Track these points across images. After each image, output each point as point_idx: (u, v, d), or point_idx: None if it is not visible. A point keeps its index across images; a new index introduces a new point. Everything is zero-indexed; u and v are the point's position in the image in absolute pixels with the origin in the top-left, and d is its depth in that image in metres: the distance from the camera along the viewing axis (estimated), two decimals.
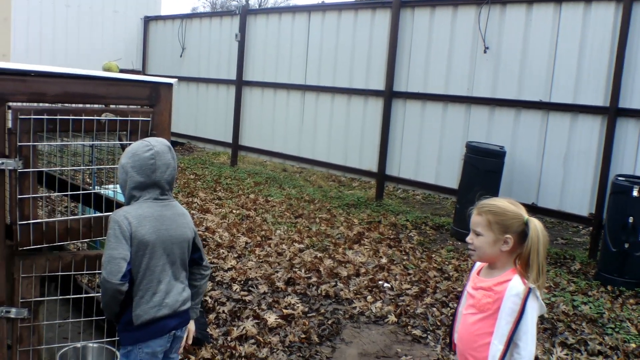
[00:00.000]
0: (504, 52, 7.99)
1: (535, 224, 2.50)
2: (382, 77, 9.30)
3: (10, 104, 2.89)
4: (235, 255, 6.32)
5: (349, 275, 5.91)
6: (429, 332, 4.81)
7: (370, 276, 5.93)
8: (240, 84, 11.79)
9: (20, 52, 10.49)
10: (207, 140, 12.86)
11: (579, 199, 7.38)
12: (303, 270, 5.97)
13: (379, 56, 9.41)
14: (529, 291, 2.45)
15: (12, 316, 3.06)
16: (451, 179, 8.47)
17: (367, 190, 10.18)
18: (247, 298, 5.25)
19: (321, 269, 6.03)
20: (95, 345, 3.59)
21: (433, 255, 6.77)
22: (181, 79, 12.36)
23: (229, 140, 12.04)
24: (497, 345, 2.48)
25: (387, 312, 5.09)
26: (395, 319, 4.98)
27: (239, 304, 5.11)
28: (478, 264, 2.76)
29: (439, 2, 8.69)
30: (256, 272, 5.84)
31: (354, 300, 5.32)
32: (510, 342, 2.46)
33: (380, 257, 6.56)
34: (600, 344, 4.71)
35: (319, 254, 6.49)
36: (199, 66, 12.96)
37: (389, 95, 9.17)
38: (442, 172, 8.68)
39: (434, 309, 5.25)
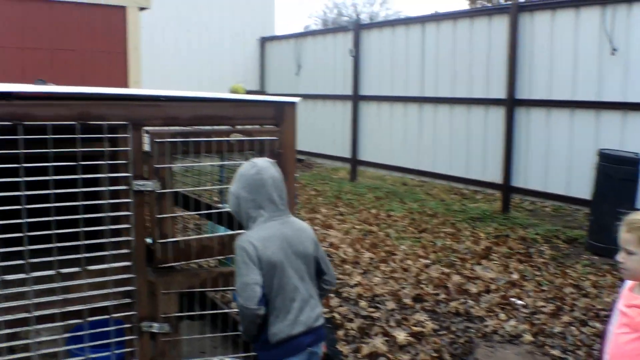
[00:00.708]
0: (634, 53, 7.48)
1: None
2: (503, 85, 8.99)
3: (147, 128, 3.00)
4: (360, 271, 6.28)
5: (478, 292, 5.70)
6: (568, 352, 4.52)
7: (502, 293, 5.68)
8: (356, 98, 11.83)
9: (149, 78, 11.11)
10: (325, 156, 13.00)
11: None
12: (430, 287, 5.82)
13: (498, 64, 9.11)
14: None
15: (155, 331, 3.16)
16: (583, 189, 7.99)
17: (492, 203, 9.84)
18: (375, 315, 5.18)
19: (449, 285, 5.86)
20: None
21: (568, 271, 6.39)
22: (298, 96, 12.55)
23: (347, 155, 12.09)
24: None
25: (522, 331, 4.85)
26: (532, 338, 4.72)
27: (367, 321, 5.05)
28: (630, 281, 2.55)
29: (559, 5, 8.29)
30: (382, 288, 5.76)
31: (485, 318, 5.11)
32: None
33: (511, 272, 6.28)
34: None
35: (446, 270, 6.32)
36: (315, 83, 13.15)
37: (511, 103, 8.84)
38: (573, 182, 8.22)
39: (573, 327, 4.93)
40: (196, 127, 3.33)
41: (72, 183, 2.91)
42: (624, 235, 2.44)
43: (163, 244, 3.09)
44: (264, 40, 15.03)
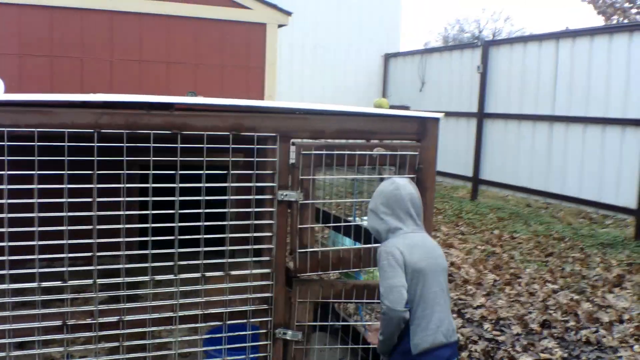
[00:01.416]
0: None
1: None
2: None
3: (294, 140, 3.11)
4: (484, 293, 6.14)
5: (611, 321, 5.41)
6: None
7: (636, 323, 5.37)
8: (481, 116, 11.61)
9: (282, 91, 11.50)
10: (445, 174, 12.82)
11: None
12: (559, 313, 5.60)
13: (638, 82, 8.64)
14: None
15: (288, 338, 3.25)
16: None
17: (623, 229, 9.31)
18: (500, 338, 5.05)
19: (579, 312, 5.60)
20: None
21: None
22: None
23: (469, 174, 11.88)
24: None
25: None
26: None
27: (491, 344, 4.93)
28: None
29: None
30: (507, 312, 5.61)
31: (618, 349, 4.85)
32: None
33: None
34: None
35: (576, 296, 6.05)
36: (439, 99, 13.04)
37: None
38: None
39: None
40: (340, 140, 3.40)
41: (219, 190, 3.08)
42: None
43: (302, 254, 3.19)
44: (388, 57, 15.10)
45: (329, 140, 3.24)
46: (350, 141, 3.35)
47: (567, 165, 9.85)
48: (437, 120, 3.39)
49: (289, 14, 6.55)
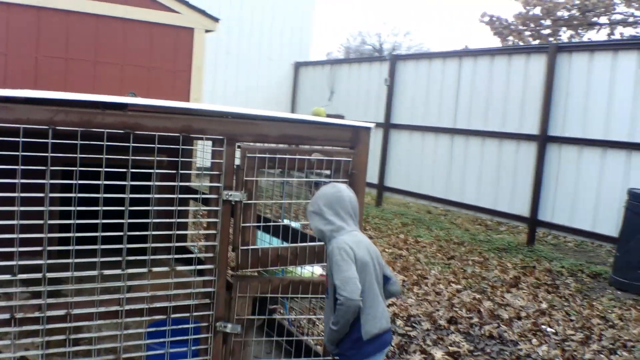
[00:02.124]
0: None
1: None
2: (536, 122, 9.27)
3: (239, 143, 3.31)
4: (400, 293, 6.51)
5: (510, 318, 5.93)
6: None
7: (532, 320, 5.91)
8: (387, 126, 12.14)
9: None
10: None
11: None
12: (464, 310, 6.06)
13: (532, 100, 9.41)
14: None
15: (228, 331, 3.43)
16: (609, 226, 8.22)
17: (516, 235, 10.07)
18: (412, 333, 5.42)
19: (481, 310, 6.09)
20: None
21: (594, 303, 6.61)
22: None
23: (374, 181, 12.37)
24: None
25: (554, 356, 5.07)
26: None
27: (404, 339, 5.29)
28: None
29: (598, 47, 8.61)
30: (417, 309, 6.01)
31: (519, 342, 5.34)
32: None
33: (540, 301, 6.51)
34: None
35: (477, 295, 6.55)
36: (348, 109, 13.47)
37: (544, 139, 9.12)
38: (600, 219, 8.45)
39: (602, 355, 5.15)
40: (280, 145, 3.61)
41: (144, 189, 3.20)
42: None
43: (244, 251, 3.38)
44: (299, 65, 15.43)
45: (272, 145, 3.46)
46: (292, 146, 3.58)
47: (466, 175, 10.52)
48: (369, 129, 3.69)
49: (216, 20, 6.69)
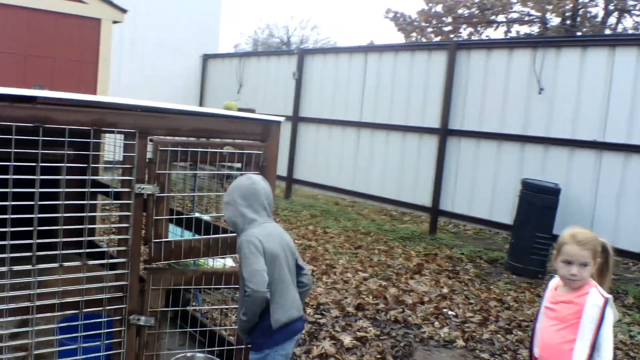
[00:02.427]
0: (559, 93, 8.32)
1: (607, 243, 2.88)
2: (438, 116, 9.69)
3: (151, 137, 3.33)
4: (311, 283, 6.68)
5: (414, 303, 6.22)
6: (496, 355, 5.09)
7: (435, 304, 6.23)
8: (296, 119, 12.30)
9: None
10: None
11: (632, 235, 7.59)
12: (370, 297, 6.30)
13: (434, 95, 9.82)
14: (606, 301, 2.80)
15: (142, 323, 3.46)
16: (505, 214, 8.74)
17: (419, 225, 10.50)
18: (322, 321, 5.60)
19: (387, 296, 6.36)
20: (201, 355, 3.98)
21: (491, 287, 7.04)
22: None
23: (283, 173, 12.50)
24: (581, 350, 2.80)
25: (454, 337, 5.39)
26: (463, 344, 5.27)
27: (314, 326, 5.45)
28: (553, 282, 3.09)
29: (495, 45, 9.11)
30: (326, 298, 6.19)
31: (422, 326, 5.63)
32: (594, 345, 2.79)
33: (442, 287, 6.86)
34: None
35: (383, 283, 6.83)
36: (256, 102, 13.51)
37: (444, 133, 9.55)
38: (496, 208, 8.96)
39: (499, 335, 5.52)
40: (191, 138, 3.66)
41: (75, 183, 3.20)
42: (580, 252, 2.89)
43: (157, 244, 3.41)
44: (207, 58, 15.32)
45: (184, 138, 3.51)
46: (203, 140, 3.64)
47: (371, 168, 10.84)
48: (279, 123, 3.80)
49: (124, 11, 6.58)
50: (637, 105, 7.58)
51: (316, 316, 5.71)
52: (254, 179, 3.18)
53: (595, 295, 2.84)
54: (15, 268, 3.05)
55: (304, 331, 5.25)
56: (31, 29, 6.12)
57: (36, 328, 3.15)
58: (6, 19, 5.97)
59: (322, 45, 40.98)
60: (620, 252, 7.80)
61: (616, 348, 5.36)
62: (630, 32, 17.57)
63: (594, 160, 7.97)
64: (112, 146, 4.45)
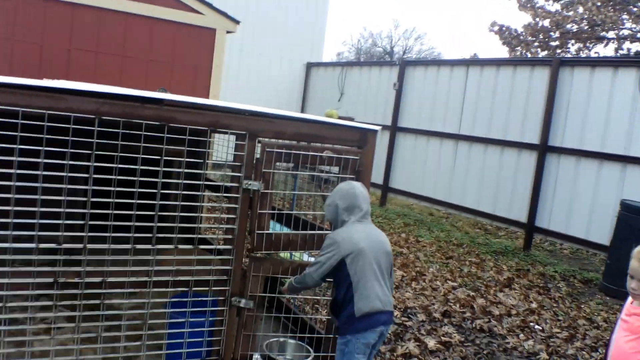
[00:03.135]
0: None
1: None
2: (538, 131, 9.65)
3: (260, 138, 3.71)
4: (394, 286, 6.92)
5: (501, 315, 6.31)
6: None
7: (522, 317, 6.30)
8: (394, 129, 12.54)
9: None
10: None
11: None
12: (457, 306, 6.45)
13: (535, 111, 9.79)
14: None
15: (242, 305, 3.83)
16: (602, 235, 8.59)
17: (514, 240, 10.45)
18: (408, 323, 5.82)
19: (474, 306, 6.48)
20: (292, 341, 4.32)
21: (582, 306, 6.99)
22: None
23: (379, 181, 12.76)
24: None
25: (538, 350, 5.46)
26: (547, 357, 5.34)
27: (400, 328, 5.68)
28: (629, 298, 3.19)
29: (599, 63, 8.98)
30: (414, 302, 6.40)
31: (507, 337, 5.73)
32: None
33: (531, 302, 6.90)
34: None
35: (472, 293, 6.94)
36: (356, 110, 13.86)
37: (544, 149, 9.49)
38: (593, 228, 8.82)
39: (584, 352, 5.54)
40: (294, 142, 4.01)
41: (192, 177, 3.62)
42: (638, 267, 3.02)
43: (259, 235, 3.78)
44: (310, 66, 15.84)
45: (288, 141, 3.86)
46: (304, 143, 3.98)
47: (467, 180, 10.90)
48: (375, 131, 4.08)
49: (237, 22, 7.11)
50: None
51: (402, 319, 5.93)
52: (354, 185, 3.53)
53: None
54: (139, 247, 3.50)
55: (390, 330, 5.50)
56: (153, 36, 6.73)
57: (152, 301, 3.58)
58: (132, 27, 6.59)
59: (426, 56, 40.98)
60: None
61: None
62: None
63: None
64: (221, 147, 4.90)
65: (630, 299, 3.20)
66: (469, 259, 8.67)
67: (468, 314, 6.23)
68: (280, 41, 15.56)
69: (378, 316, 3.35)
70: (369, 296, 3.32)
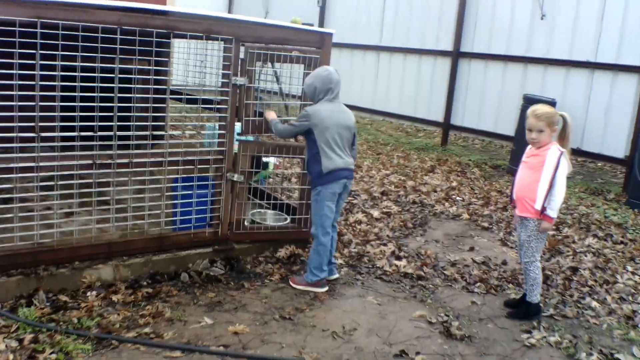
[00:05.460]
0: (559, 19, 9.43)
1: (567, 115, 4.12)
2: (451, 39, 10.83)
3: (243, 42, 4.60)
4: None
5: (428, 191, 7.59)
6: (493, 224, 6.48)
7: (445, 192, 7.60)
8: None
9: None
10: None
11: (617, 144, 8.83)
12: (392, 187, 7.67)
13: (449, 21, 10.94)
14: (561, 153, 4.09)
15: (234, 179, 4.81)
16: (508, 126, 9.99)
17: (432, 139, 11.78)
18: (354, 202, 6.97)
19: (406, 186, 7.72)
20: (271, 211, 5.39)
21: (493, 183, 8.38)
22: None
23: None
24: (543, 185, 4.11)
25: (461, 212, 6.77)
26: (468, 217, 6.65)
27: (348, 205, 6.83)
28: (529, 146, 4.38)
29: None
30: (356, 187, 7.56)
31: (435, 205, 7.01)
32: (552, 183, 4.09)
33: (451, 182, 8.22)
34: (622, 236, 6.30)
35: (403, 177, 8.19)
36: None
37: (456, 55, 10.72)
38: (500, 121, 10.22)
39: (497, 212, 6.90)
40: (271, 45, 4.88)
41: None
42: (535, 123, 4.19)
43: (246, 121, 4.73)
44: None
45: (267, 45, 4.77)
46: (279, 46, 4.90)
47: (389, 88, 12.06)
48: (331, 34, 5.04)
49: None
50: (626, 27, 8.69)
51: (349, 198, 7.07)
52: (329, 70, 4.45)
53: (554, 150, 4.13)
54: (155, 133, 4.39)
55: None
56: None
57: (167, 177, 4.51)
58: None
59: None
60: (606, 158, 9.12)
61: (591, 223, 6.73)
62: None
63: (586, 79, 9.14)
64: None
65: (528, 148, 4.42)
66: (396, 154, 9.91)
67: (402, 192, 7.46)
68: None
69: (340, 172, 4.41)
70: (332, 157, 4.35)
